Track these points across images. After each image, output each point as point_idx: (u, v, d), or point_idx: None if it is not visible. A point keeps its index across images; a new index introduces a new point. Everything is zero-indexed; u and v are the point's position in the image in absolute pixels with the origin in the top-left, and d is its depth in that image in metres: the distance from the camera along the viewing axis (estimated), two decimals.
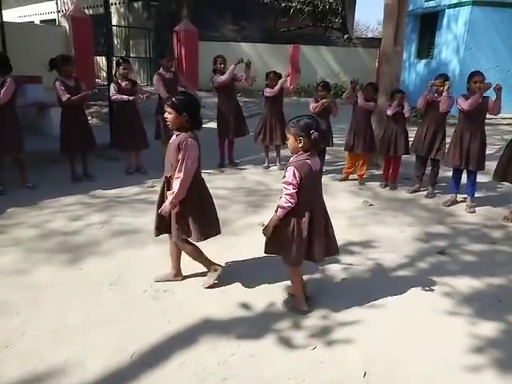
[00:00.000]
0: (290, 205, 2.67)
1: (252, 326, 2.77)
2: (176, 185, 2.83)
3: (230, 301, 3.05)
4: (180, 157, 2.80)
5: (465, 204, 5.19)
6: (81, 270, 3.42)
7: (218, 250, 3.86)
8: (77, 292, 3.11)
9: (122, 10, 16.24)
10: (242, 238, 4.16)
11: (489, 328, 2.83)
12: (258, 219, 4.60)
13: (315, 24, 19.17)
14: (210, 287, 3.18)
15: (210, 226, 3.07)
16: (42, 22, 19.82)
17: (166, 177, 3.00)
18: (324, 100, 5.89)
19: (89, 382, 2.26)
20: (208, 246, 3.94)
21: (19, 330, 2.66)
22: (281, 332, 2.72)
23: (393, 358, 2.51)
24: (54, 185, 5.48)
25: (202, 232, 2.98)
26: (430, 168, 5.64)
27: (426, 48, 14.09)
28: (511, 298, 3.23)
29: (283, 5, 17.79)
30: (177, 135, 2.92)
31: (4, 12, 8.82)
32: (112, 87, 5.80)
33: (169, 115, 2.88)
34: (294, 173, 2.66)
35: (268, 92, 6.47)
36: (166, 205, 2.87)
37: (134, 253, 3.77)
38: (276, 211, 2.76)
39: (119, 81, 5.83)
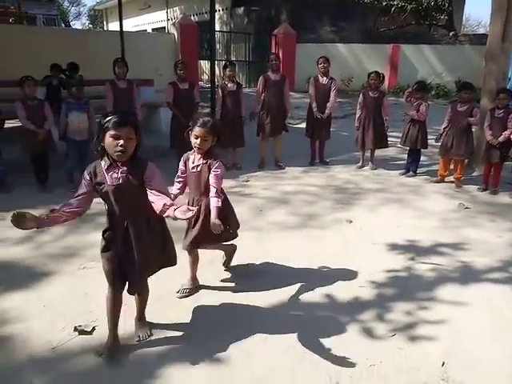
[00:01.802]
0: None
1: (334, 313, 2.94)
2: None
3: (314, 288, 3.24)
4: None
5: None
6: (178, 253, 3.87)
7: (303, 240, 4.09)
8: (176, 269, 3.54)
9: (224, 16, 17.17)
10: (327, 232, 4.32)
11: None
12: (345, 216, 4.72)
13: (418, 22, 18.38)
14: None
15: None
16: (153, 29, 21.69)
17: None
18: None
19: (188, 340, 2.63)
20: (296, 237, 4.19)
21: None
22: (364, 323, 2.84)
23: (474, 355, 2.51)
24: (163, 175, 6.11)
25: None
26: None
27: None
28: None
29: (384, 3, 17.38)
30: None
31: (124, 22, 9.92)
32: (219, 90, 6.28)
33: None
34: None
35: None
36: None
37: None
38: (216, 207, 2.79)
39: (225, 82, 6.29)
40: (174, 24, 12.87)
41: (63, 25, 24.00)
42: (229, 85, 6.25)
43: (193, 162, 2.94)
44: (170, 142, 6.20)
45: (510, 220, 4.68)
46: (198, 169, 2.91)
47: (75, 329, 2.71)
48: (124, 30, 10.05)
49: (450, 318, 2.87)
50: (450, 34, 17.29)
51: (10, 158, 5.47)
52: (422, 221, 4.61)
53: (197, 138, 2.80)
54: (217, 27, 17.09)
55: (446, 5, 17.57)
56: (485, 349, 2.58)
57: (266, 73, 6.54)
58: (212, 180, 2.83)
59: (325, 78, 6.54)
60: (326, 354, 2.51)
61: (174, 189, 3.04)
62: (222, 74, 6.67)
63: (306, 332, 2.72)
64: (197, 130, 2.79)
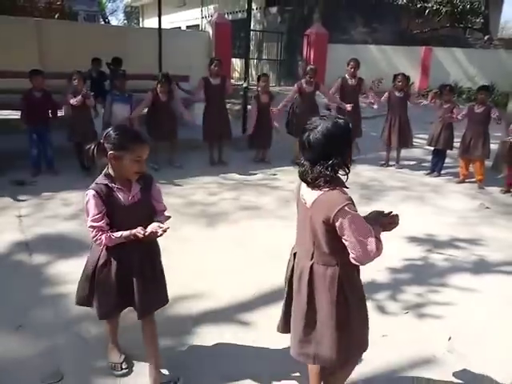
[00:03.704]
0: None
1: None
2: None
3: None
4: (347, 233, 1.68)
5: None
6: (216, 231, 4.24)
7: None
8: (212, 247, 3.91)
9: (258, 15, 17.49)
10: None
11: None
12: (368, 209, 4.96)
13: (453, 25, 18.23)
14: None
15: None
16: (187, 27, 22.22)
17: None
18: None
19: (222, 306, 2.99)
20: None
21: (173, 265, 3.46)
22: (379, 301, 3.13)
23: (479, 333, 2.77)
24: (195, 166, 6.53)
25: None
26: None
27: None
28: None
29: (418, 5, 17.32)
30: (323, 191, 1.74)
31: (157, 19, 10.38)
32: (253, 103, 6.71)
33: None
34: None
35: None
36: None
37: (255, 223, 4.48)
38: None
39: (260, 94, 6.67)
40: (209, 22, 13.28)
41: (102, 21, 24.92)
42: (262, 96, 6.60)
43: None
44: (203, 134, 6.59)
45: None
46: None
47: None
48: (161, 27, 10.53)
49: (459, 301, 3.13)
50: (485, 37, 17.10)
51: (57, 144, 5.96)
52: (440, 217, 4.83)
53: None
54: (251, 26, 17.50)
55: (482, 8, 17.38)
56: (489, 328, 2.83)
57: (300, 81, 6.80)
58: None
59: (353, 79, 6.80)
60: None
61: None
62: (256, 83, 7.02)
63: None
64: None
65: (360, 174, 6.60)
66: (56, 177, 5.73)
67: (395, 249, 3.96)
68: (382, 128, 7.03)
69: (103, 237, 2.02)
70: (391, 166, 6.99)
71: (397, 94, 6.69)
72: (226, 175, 6.23)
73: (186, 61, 11.42)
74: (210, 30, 12.92)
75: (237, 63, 16.50)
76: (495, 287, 3.36)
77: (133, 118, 5.90)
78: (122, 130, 2.04)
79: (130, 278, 2.14)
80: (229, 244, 3.97)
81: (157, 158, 6.37)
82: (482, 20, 17.78)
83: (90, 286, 2.21)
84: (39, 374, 2.34)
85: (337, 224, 1.64)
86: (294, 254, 1.95)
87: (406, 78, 6.69)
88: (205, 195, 5.34)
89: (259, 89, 6.74)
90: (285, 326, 2.06)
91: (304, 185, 1.81)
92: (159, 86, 6.09)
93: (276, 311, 2.89)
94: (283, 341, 2.61)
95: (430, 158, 6.95)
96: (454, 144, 6.36)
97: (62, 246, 3.82)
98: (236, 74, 16.34)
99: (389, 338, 2.71)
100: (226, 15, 17.61)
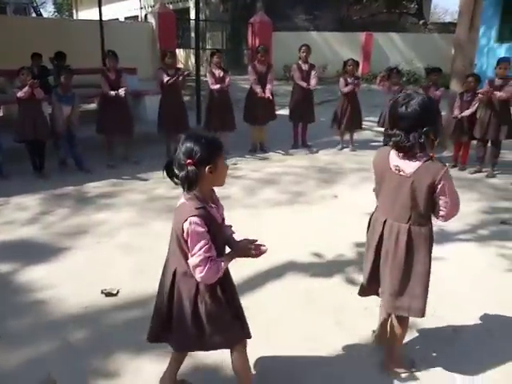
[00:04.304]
0: None
1: (328, 269, 3.37)
2: None
3: (308, 250, 3.65)
4: (447, 192, 1.96)
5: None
6: None
7: (297, 214, 4.49)
8: None
9: (200, 4, 17.24)
10: (315, 206, 4.74)
11: None
12: (330, 192, 5.16)
13: (389, 10, 18.97)
14: None
15: None
16: (126, 18, 21.48)
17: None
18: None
19: None
20: (287, 212, 4.59)
21: (147, 262, 3.46)
22: (352, 274, 3.29)
23: (448, 295, 2.98)
24: (152, 161, 6.39)
25: None
26: (491, 149, 5.87)
27: (508, 31, 13.55)
28: None
29: None
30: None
31: (93, 11, 10.04)
32: (209, 77, 6.56)
33: None
34: None
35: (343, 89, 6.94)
36: None
37: (226, 213, 4.47)
38: None
39: (213, 70, 6.58)
40: (151, 13, 12.94)
41: (34, 13, 23.47)
42: (216, 72, 6.55)
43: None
44: (158, 126, 6.46)
45: (477, 192, 5.22)
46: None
47: (102, 292, 3.02)
48: (98, 18, 10.14)
49: None
50: (420, 22, 17.94)
51: (7, 146, 5.62)
52: None
53: None
54: (192, 15, 17.22)
55: None
56: (453, 290, 3.05)
57: (253, 62, 6.86)
58: None
59: (306, 64, 6.94)
60: (325, 299, 2.94)
61: None
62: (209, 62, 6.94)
63: (304, 284, 3.13)
64: None
65: (318, 158, 6.78)
66: (7, 181, 5.41)
67: (362, 228, 4.14)
68: (333, 113, 7.20)
69: (219, 266, 1.77)
70: (345, 148, 7.23)
71: (348, 80, 6.89)
72: None
73: (131, 53, 11.07)
74: (152, 20, 12.59)
75: (180, 54, 16.21)
76: (457, 254, 3.61)
77: (72, 118, 5.66)
78: (201, 140, 1.73)
79: (232, 300, 2.01)
80: None
81: (112, 155, 6.19)
82: (416, 6, 18.62)
83: (196, 324, 1.88)
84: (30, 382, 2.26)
85: (439, 186, 1.93)
86: (384, 222, 2.16)
87: (356, 63, 6.90)
88: (168, 189, 5.25)
89: (212, 65, 6.65)
90: (368, 289, 2.37)
91: (394, 157, 2.04)
92: (107, 60, 5.89)
93: (260, 296, 2.97)
94: (275, 324, 2.69)
95: (380, 139, 7.25)
96: None
97: (27, 252, 3.64)
98: (180, 65, 16.05)
99: (370, 308, 2.85)
100: (167, 5, 17.23)
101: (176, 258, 1.87)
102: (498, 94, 5.40)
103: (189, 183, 1.69)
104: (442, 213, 2.00)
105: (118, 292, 3.05)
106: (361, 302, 2.89)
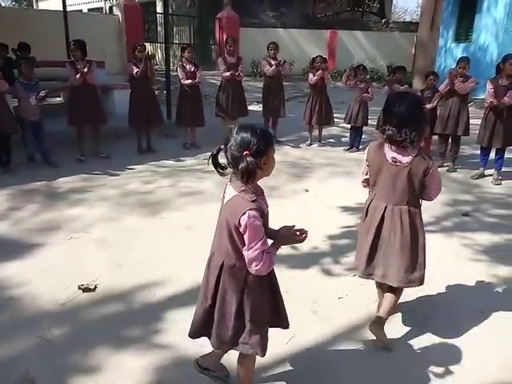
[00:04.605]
0: None
1: (302, 261, 3.47)
2: None
3: (283, 248, 3.74)
4: (435, 177, 2.37)
5: (491, 178, 5.66)
6: (161, 219, 4.22)
7: (270, 208, 4.56)
8: (162, 234, 3.89)
9: None
10: (287, 200, 4.84)
11: (504, 271, 3.42)
12: (302, 186, 5.29)
13: (352, 9, 19.36)
14: None
15: None
16: (89, 10, 20.85)
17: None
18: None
19: (185, 290, 3.03)
20: None
21: (124, 256, 3.46)
22: (324, 265, 3.41)
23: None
24: (123, 155, 6.33)
25: None
26: (451, 144, 6.17)
27: (464, 32, 14.14)
28: None
29: None
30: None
31: (53, 1, 9.67)
32: (180, 72, 6.52)
33: None
34: None
35: (310, 80, 7.01)
36: None
37: (201, 208, 4.52)
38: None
39: (184, 64, 6.55)
40: (117, 5, 12.64)
41: None
42: (187, 66, 6.53)
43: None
44: (129, 120, 6.38)
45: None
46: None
47: (79, 287, 3.00)
48: (59, 9, 9.82)
49: None
50: (382, 21, 18.41)
51: None
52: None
53: None
54: (158, 9, 16.95)
55: None
56: (432, 283, 3.22)
57: (224, 55, 6.92)
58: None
59: (275, 61, 7.04)
60: (301, 291, 3.03)
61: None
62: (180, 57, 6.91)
63: (280, 276, 3.21)
64: None
65: (288, 153, 6.90)
66: None
67: (334, 220, 4.29)
68: (303, 109, 7.34)
69: (272, 259, 1.77)
70: (314, 144, 7.39)
71: (317, 75, 7.03)
72: (158, 162, 6.13)
73: (97, 46, 10.80)
74: (118, 13, 12.31)
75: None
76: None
77: (35, 108, 5.51)
78: (256, 131, 1.70)
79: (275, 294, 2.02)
80: (178, 230, 3.98)
81: (82, 149, 6.06)
82: (378, 4, 19.09)
83: (239, 320, 1.87)
84: (7, 380, 2.23)
85: (431, 171, 2.30)
86: (385, 208, 2.44)
87: (324, 60, 7.05)
88: (140, 184, 5.23)
89: (183, 60, 6.61)
90: (367, 268, 2.54)
91: (389, 151, 2.36)
92: (74, 49, 5.72)
93: None
94: None
95: (347, 134, 7.46)
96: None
97: None
98: None
99: (344, 298, 2.98)
100: None
101: (223, 251, 1.85)
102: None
103: (248, 175, 1.67)
104: (430, 194, 2.40)
105: (95, 287, 3.03)
106: (336, 293, 3.03)
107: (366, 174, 2.59)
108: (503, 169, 5.70)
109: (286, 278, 3.20)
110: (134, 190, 5.03)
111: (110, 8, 13.22)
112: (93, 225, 4.03)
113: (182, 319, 2.71)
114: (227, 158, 1.74)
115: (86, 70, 5.62)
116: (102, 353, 2.46)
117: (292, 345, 2.51)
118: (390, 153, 2.38)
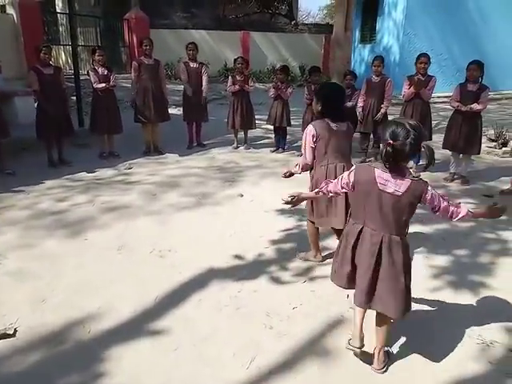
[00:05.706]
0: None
1: (249, 271, 3.28)
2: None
3: (226, 254, 3.53)
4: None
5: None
6: (86, 240, 3.76)
7: (207, 217, 4.33)
8: (89, 257, 3.46)
9: None
10: (223, 207, 4.62)
11: (440, 260, 3.53)
12: (235, 191, 5.10)
13: (262, 10, 19.62)
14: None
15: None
16: None
17: None
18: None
19: (125, 321, 2.68)
20: (196, 215, 4.42)
21: (48, 288, 3.00)
22: (273, 273, 3.26)
23: None
24: (31, 170, 5.65)
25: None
26: (373, 141, 6.49)
27: (369, 33, 15.00)
28: (453, 236, 3.97)
29: None
30: None
31: None
32: (92, 75, 5.98)
33: None
34: None
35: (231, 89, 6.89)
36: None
37: (130, 224, 4.14)
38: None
39: (96, 68, 6.02)
40: (10, 3, 11.42)
41: None
42: (99, 70, 6.02)
43: None
44: (37, 132, 5.73)
45: None
46: None
47: None
48: None
49: None
50: (292, 22, 18.91)
51: None
52: (299, 189, 5.21)
53: None
54: (58, 8, 15.70)
55: None
56: None
57: (139, 57, 6.50)
58: None
59: (195, 63, 6.77)
60: (253, 305, 2.85)
61: None
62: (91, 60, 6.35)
63: (229, 291, 3.00)
64: None
65: (215, 157, 6.68)
66: None
67: (273, 224, 4.16)
68: (226, 113, 7.16)
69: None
70: (240, 146, 7.25)
71: (237, 77, 6.89)
72: (73, 176, 5.56)
73: None
74: (12, 12, 11.13)
75: None
76: None
77: None
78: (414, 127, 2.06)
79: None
80: (106, 251, 3.57)
81: None
82: (286, 7, 19.58)
83: (407, 289, 2.23)
84: None
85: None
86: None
87: (245, 62, 6.94)
88: (53, 202, 4.66)
89: (95, 63, 6.14)
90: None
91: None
92: None
93: (188, 310, 2.75)
94: (208, 342, 2.51)
95: (271, 136, 7.42)
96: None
97: None
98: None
99: (298, 308, 2.84)
100: None
101: (386, 225, 2.16)
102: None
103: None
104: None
105: (15, 331, 2.56)
106: (289, 303, 2.89)
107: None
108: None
109: (235, 292, 3.01)
110: (46, 209, 4.45)
111: (2, 7, 11.85)
112: (4, 255, 3.46)
113: (125, 356, 2.39)
114: (402, 152, 2.03)
115: None
116: None
117: (254, 368, 2.31)
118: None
